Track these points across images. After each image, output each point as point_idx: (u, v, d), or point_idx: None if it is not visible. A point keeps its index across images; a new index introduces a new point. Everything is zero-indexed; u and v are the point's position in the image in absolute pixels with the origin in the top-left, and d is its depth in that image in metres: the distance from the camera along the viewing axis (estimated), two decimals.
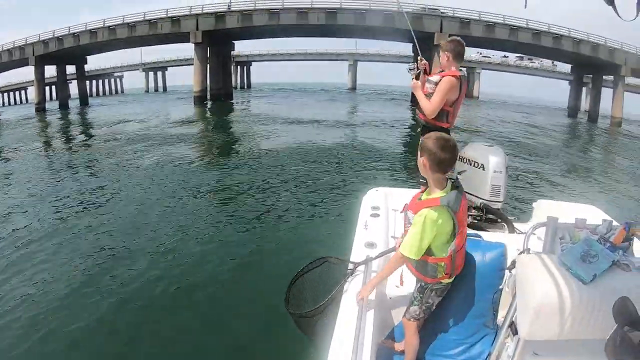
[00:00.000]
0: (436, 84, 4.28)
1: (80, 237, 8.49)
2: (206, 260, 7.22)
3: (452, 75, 4.24)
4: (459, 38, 4.43)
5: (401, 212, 2.73)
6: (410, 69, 4.52)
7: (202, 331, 5.23)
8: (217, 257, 7.33)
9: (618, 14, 1.74)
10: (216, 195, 11.37)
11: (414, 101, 4.53)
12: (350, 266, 3.01)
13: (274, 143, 19.04)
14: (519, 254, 2.60)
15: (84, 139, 25.04)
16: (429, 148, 2.50)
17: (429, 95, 4.34)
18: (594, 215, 4.03)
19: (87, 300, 6.04)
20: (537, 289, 2.04)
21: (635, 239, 2.64)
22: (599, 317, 1.98)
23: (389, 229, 3.72)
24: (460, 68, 4.34)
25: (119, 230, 8.78)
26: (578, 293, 2.00)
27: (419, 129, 4.69)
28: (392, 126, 22.13)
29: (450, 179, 2.59)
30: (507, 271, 2.77)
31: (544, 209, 4.46)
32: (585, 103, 63.88)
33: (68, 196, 11.61)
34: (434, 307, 2.72)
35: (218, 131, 25.54)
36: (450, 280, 2.66)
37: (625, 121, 51.70)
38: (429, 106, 4.29)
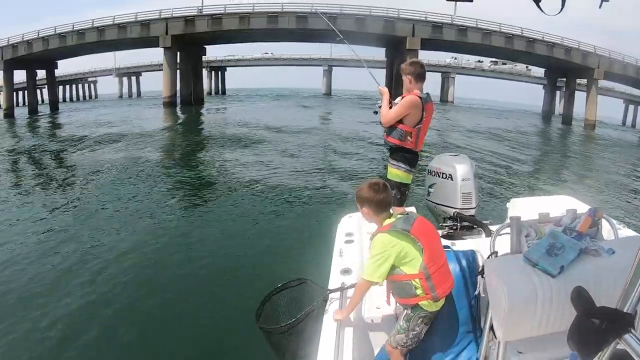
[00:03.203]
0: None
1: (48, 246, 8.29)
2: (177, 274, 7.22)
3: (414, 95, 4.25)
4: (418, 59, 4.60)
5: (370, 239, 2.78)
6: (378, 108, 4.53)
7: (168, 345, 5.33)
8: (188, 271, 7.31)
9: (542, 10, 1.76)
10: (183, 211, 11.00)
11: None
12: (327, 292, 3.07)
13: (242, 156, 18.45)
14: (486, 258, 2.79)
15: (46, 145, 24.06)
16: (365, 197, 2.73)
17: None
18: (570, 205, 3.91)
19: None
20: (506, 290, 2.03)
21: (604, 222, 2.72)
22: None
23: (363, 254, 3.72)
24: (427, 93, 4.34)
25: (86, 243, 8.53)
26: (548, 287, 2.02)
27: (386, 151, 4.72)
28: (361, 143, 21.85)
29: (401, 214, 2.76)
30: (480, 277, 2.82)
31: (517, 207, 4.47)
32: (559, 106, 64.31)
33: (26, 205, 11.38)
34: (422, 336, 2.73)
35: (185, 140, 24.73)
36: (436, 309, 2.69)
37: (599, 124, 52.01)
38: (386, 115, 4.34)
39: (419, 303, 2.64)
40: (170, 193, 12.66)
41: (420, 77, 4.29)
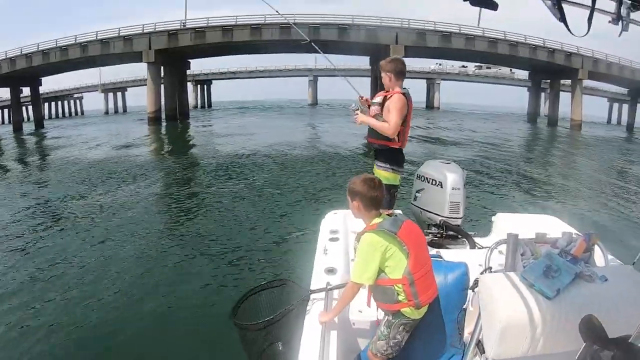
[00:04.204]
0: (380, 104, 4.26)
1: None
2: (156, 275, 7.23)
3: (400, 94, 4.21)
4: (398, 57, 4.52)
5: (356, 239, 2.70)
6: (354, 110, 4.41)
7: (142, 342, 5.30)
8: (169, 272, 7.34)
9: (570, 30, 1.83)
10: (168, 215, 11.20)
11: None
12: (309, 293, 2.96)
13: (227, 162, 18.79)
14: (480, 273, 2.73)
15: (28, 165, 23.81)
16: (358, 190, 2.63)
17: (377, 117, 4.26)
18: (554, 226, 4.01)
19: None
20: (502, 308, 2.04)
21: (596, 248, 2.72)
22: (566, 331, 1.96)
23: (348, 253, 3.61)
24: (404, 87, 4.30)
25: (69, 254, 8.46)
26: (543, 309, 2.01)
27: (371, 152, 4.67)
28: (347, 147, 22.27)
29: (389, 215, 2.66)
30: (470, 290, 2.78)
31: (503, 222, 4.51)
32: (545, 108, 64.76)
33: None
34: (403, 344, 2.66)
35: (171, 152, 25.05)
36: (418, 316, 2.62)
37: (585, 123, 52.36)
38: (389, 127, 4.18)
39: (401, 310, 2.57)
40: (152, 195, 12.87)
41: (400, 74, 4.26)
